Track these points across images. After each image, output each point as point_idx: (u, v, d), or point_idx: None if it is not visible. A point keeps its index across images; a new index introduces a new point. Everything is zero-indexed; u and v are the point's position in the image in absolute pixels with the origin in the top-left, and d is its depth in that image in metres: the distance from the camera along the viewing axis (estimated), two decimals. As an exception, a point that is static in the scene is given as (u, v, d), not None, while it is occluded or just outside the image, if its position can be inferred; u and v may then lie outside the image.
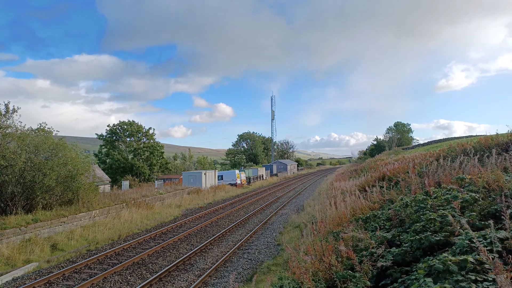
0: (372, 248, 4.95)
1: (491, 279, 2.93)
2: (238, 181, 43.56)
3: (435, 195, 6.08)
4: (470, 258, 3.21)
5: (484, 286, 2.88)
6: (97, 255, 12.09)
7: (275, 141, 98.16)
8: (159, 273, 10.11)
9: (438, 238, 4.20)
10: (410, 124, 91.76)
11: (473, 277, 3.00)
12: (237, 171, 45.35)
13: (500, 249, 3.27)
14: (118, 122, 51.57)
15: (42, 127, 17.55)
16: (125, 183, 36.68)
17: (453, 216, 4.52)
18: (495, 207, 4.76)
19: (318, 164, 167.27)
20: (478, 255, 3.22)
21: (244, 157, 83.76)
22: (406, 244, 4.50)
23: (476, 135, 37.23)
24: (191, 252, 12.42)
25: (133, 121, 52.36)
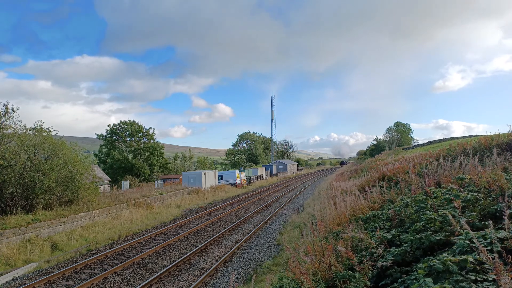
0: (372, 248, 4.95)
1: (491, 279, 2.93)
2: (238, 181, 43.55)
3: (435, 195, 6.08)
4: (470, 258, 3.21)
5: (484, 286, 2.87)
6: (97, 255, 12.08)
7: (275, 141, 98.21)
8: (159, 273, 10.11)
9: (438, 238, 4.20)
10: (409, 124, 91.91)
11: (473, 277, 3.00)
12: (237, 171, 45.32)
13: (500, 249, 3.26)
14: (119, 122, 51.55)
15: (38, 126, 17.11)
16: (125, 183, 36.64)
17: (453, 216, 4.51)
18: (495, 207, 4.75)
19: (318, 164, 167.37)
20: (478, 255, 3.21)
21: (244, 157, 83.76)
22: (406, 244, 4.49)
23: (476, 135, 37.22)
24: (191, 252, 12.42)
25: (133, 121, 52.21)
